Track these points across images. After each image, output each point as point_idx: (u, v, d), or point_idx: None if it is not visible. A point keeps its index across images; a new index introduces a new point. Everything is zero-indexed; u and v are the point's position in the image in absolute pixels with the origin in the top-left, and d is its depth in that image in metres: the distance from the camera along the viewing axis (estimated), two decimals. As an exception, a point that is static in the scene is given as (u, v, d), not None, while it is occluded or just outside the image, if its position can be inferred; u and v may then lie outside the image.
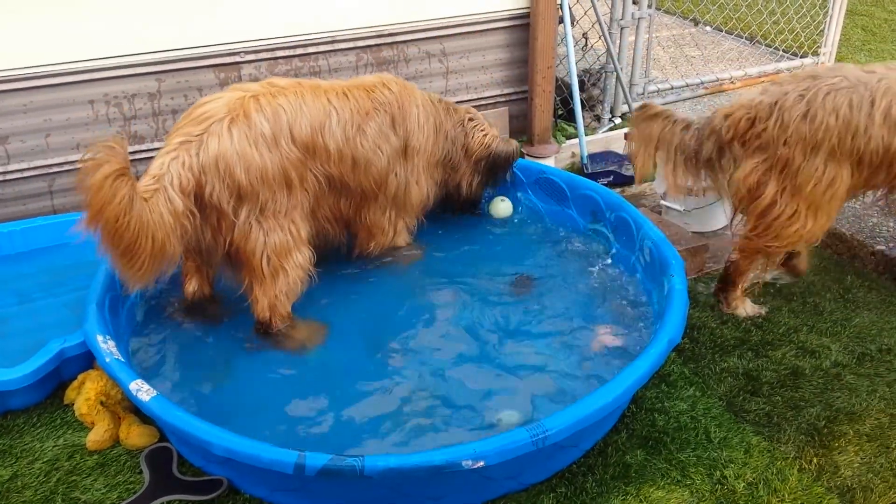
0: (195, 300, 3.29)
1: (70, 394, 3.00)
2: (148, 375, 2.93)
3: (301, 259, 3.14)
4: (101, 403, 2.87)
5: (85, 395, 2.88)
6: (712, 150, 3.28)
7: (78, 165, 3.63)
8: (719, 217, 4.22)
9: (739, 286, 3.50)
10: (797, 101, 3.05)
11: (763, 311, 3.54)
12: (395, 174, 3.43)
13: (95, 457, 2.79)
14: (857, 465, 2.79)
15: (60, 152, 3.86)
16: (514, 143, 3.94)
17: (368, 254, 3.61)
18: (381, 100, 3.35)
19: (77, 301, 3.21)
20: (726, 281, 3.51)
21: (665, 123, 3.37)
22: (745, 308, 3.54)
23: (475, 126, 3.78)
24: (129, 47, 3.80)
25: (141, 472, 2.71)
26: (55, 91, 3.74)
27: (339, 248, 3.55)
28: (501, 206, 4.09)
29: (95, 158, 2.55)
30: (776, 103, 3.10)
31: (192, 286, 3.27)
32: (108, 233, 2.62)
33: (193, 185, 2.85)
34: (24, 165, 3.81)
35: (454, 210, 3.97)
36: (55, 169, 3.88)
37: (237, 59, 4.02)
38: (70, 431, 2.89)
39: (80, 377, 3.00)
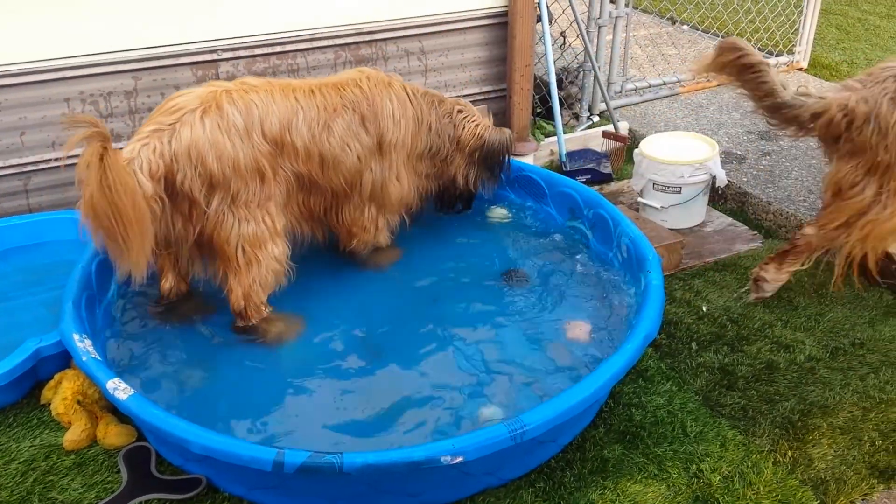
0: (171, 297, 3.28)
1: (47, 393, 2.97)
2: (125, 374, 2.91)
3: (276, 251, 3.14)
4: (78, 403, 2.86)
5: (62, 394, 2.87)
6: (789, 127, 3.45)
7: (54, 164, 3.61)
8: (696, 214, 4.26)
9: (790, 262, 3.60)
10: (891, 105, 3.16)
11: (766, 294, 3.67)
12: (371, 171, 3.40)
13: (73, 456, 2.77)
14: (830, 457, 2.83)
15: (36, 151, 3.83)
16: (508, 132, 3.85)
17: (353, 251, 3.60)
18: (350, 97, 3.32)
19: (54, 300, 3.18)
20: (785, 252, 3.61)
21: (753, 75, 3.38)
22: (773, 279, 3.62)
23: (465, 117, 3.72)
24: (105, 45, 3.77)
25: (119, 471, 2.70)
26: (30, 89, 3.70)
27: (317, 245, 3.54)
28: (497, 212, 4.06)
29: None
30: (871, 110, 3.19)
31: (167, 283, 3.26)
32: (99, 204, 2.64)
33: (163, 171, 2.86)
34: (-2, 164, 3.78)
35: (449, 207, 3.93)
36: (30, 167, 3.84)
37: (215, 56, 4.00)
38: (47, 431, 2.87)
39: (56, 376, 2.98)
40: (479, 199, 4.02)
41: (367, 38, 4.32)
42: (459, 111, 3.73)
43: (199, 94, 3.00)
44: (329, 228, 3.54)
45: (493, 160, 3.80)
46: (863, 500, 2.68)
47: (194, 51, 3.95)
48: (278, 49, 4.12)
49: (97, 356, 2.70)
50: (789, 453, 2.84)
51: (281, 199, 3.16)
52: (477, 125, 3.73)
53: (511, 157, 3.91)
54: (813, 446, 2.87)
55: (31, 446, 2.81)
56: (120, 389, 2.52)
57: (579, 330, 3.24)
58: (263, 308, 3.18)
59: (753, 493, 2.67)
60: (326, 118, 3.23)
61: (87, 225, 2.71)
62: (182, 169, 2.88)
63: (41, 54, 3.66)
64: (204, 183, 2.93)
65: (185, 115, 2.93)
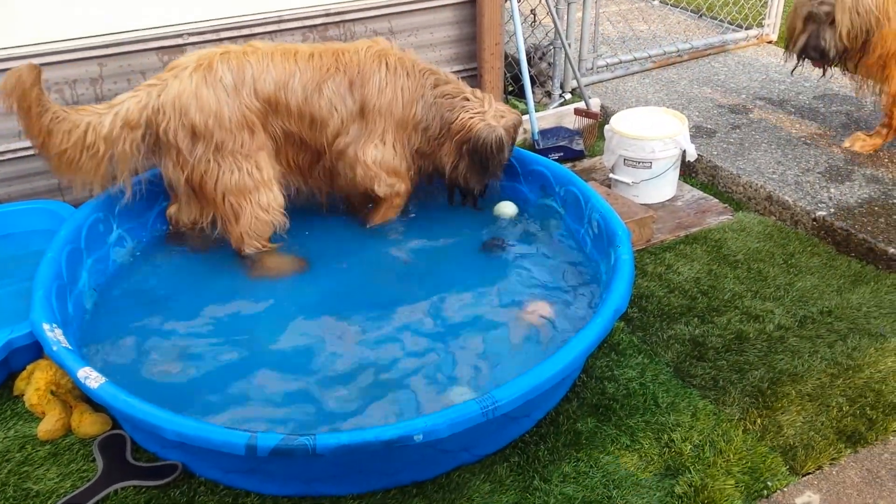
0: (175, 225, 3.60)
1: (19, 384, 2.96)
2: (98, 363, 2.91)
3: (264, 199, 3.40)
4: (52, 393, 2.85)
5: (34, 385, 2.86)
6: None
7: (21, 154, 3.61)
8: (667, 189, 4.29)
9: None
10: None
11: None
12: (346, 133, 3.51)
13: (47, 447, 2.77)
14: (799, 424, 2.88)
15: (2, 140, 3.78)
16: (498, 131, 3.61)
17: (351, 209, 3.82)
18: (345, 62, 3.47)
19: (23, 291, 3.15)
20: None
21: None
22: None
23: (465, 106, 3.62)
24: (70, 32, 3.72)
25: (94, 460, 2.70)
26: (-7, 78, 3.66)
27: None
28: (503, 209, 3.91)
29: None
30: None
31: (171, 209, 3.58)
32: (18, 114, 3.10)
33: (144, 119, 3.23)
34: (-36, 155, 3.74)
35: (451, 199, 3.92)
36: (-3, 158, 3.80)
37: (180, 41, 3.96)
38: (20, 422, 2.87)
39: (28, 367, 2.96)
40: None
41: (336, 18, 4.29)
42: (465, 98, 3.63)
43: (199, 55, 3.34)
44: (312, 183, 3.70)
45: (480, 156, 3.64)
46: (830, 464, 2.74)
47: (160, 35, 3.91)
48: (245, 32, 4.09)
49: (68, 345, 2.69)
50: (759, 421, 2.88)
51: (272, 151, 3.42)
52: (471, 116, 3.61)
53: (503, 155, 3.70)
54: (782, 413, 2.92)
55: (4, 437, 2.80)
56: (91, 378, 2.51)
57: (538, 307, 3.26)
58: (262, 247, 3.49)
59: (724, 461, 2.72)
60: (319, 81, 3.41)
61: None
62: (166, 118, 3.22)
63: (3, 42, 3.61)
64: (187, 133, 3.24)
65: (179, 71, 3.27)
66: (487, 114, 3.62)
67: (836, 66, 4.30)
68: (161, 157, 3.34)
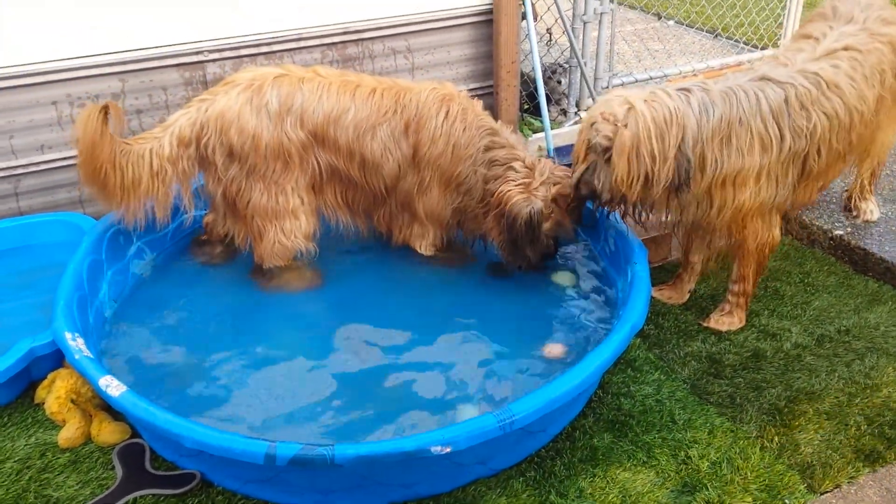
0: (209, 233, 3.66)
1: (41, 393, 2.99)
2: (118, 372, 2.93)
3: (288, 227, 3.37)
4: (72, 401, 2.88)
5: (55, 393, 2.89)
6: None
7: (44, 167, 3.68)
8: (683, 206, 4.29)
9: None
10: None
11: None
12: (405, 179, 3.42)
13: (67, 454, 2.79)
14: (816, 442, 2.87)
15: (25, 154, 3.84)
16: (535, 205, 3.28)
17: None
18: (403, 103, 3.33)
19: (45, 303, 3.19)
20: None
21: None
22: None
23: (508, 177, 3.33)
24: (92, 48, 3.78)
25: (113, 468, 2.72)
26: (17, 93, 3.71)
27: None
28: (559, 278, 3.61)
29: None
30: None
31: (209, 217, 3.65)
32: (81, 158, 3.11)
33: (195, 135, 3.23)
34: (-12, 167, 3.79)
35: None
36: (20, 171, 3.85)
37: (201, 58, 4.02)
38: (41, 430, 2.89)
39: (50, 376, 3.00)
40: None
41: (354, 37, 4.34)
42: (510, 168, 3.35)
43: (255, 74, 3.30)
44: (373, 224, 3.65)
45: (511, 232, 3.34)
46: (849, 483, 2.72)
47: (180, 52, 3.96)
48: (265, 49, 4.14)
49: (90, 354, 2.72)
50: (776, 439, 2.87)
51: (304, 183, 3.35)
52: (510, 189, 3.30)
53: (534, 233, 3.33)
54: (799, 432, 2.91)
55: (26, 445, 2.83)
56: (112, 386, 2.54)
57: (556, 350, 3.20)
58: (283, 264, 3.49)
59: (741, 479, 2.71)
60: (375, 122, 3.30)
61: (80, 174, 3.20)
62: (207, 134, 3.22)
63: (28, 58, 3.68)
64: (225, 151, 3.23)
65: (230, 88, 3.25)
66: (532, 185, 3.32)
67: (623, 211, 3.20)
68: (205, 170, 3.37)
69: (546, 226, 3.38)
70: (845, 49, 3.26)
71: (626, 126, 2.90)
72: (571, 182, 3.20)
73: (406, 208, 3.51)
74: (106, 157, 3.09)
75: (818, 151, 3.17)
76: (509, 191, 3.31)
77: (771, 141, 3.04)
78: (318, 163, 3.33)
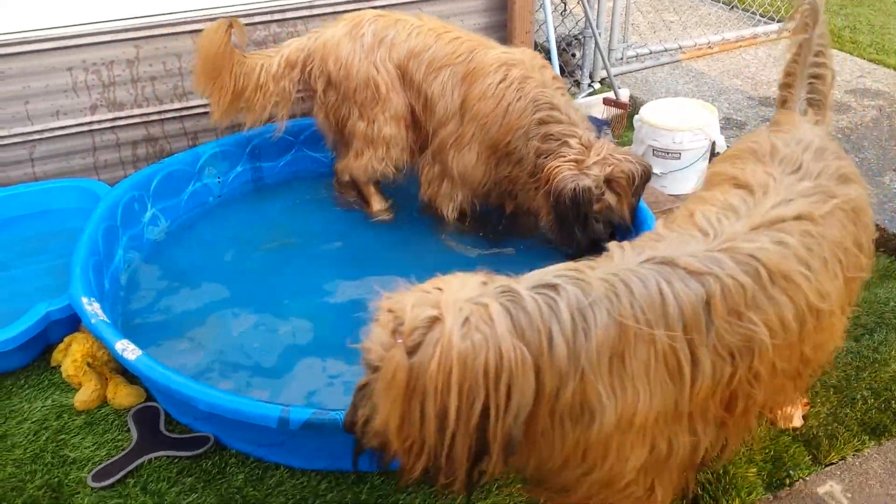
0: (338, 181, 3.93)
1: (57, 356, 3.04)
2: (133, 336, 2.97)
3: (380, 153, 3.62)
4: (88, 365, 2.93)
5: (72, 356, 2.93)
6: None
7: (59, 133, 3.70)
8: (695, 179, 4.29)
9: None
10: None
11: None
12: (445, 127, 3.49)
13: (83, 416, 2.85)
14: (823, 415, 2.89)
15: (40, 119, 3.86)
16: (583, 182, 3.14)
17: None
18: (472, 56, 3.41)
19: (60, 268, 3.24)
20: None
21: None
22: None
23: (560, 152, 3.22)
24: (107, 13, 3.79)
25: (128, 430, 2.77)
26: (33, 58, 3.73)
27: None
28: None
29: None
30: None
31: (339, 164, 3.85)
32: (202, 60, 3.51)
33: (301, 60, 3.60)
34: (3, 133, 3.81)
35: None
36: (35, 136, 3.87)
37: (215, 24, 4.01)
38: (58, 392, 2.95)
39: (66, 339, 3.05)
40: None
41: (366, 4, 4.31)
42: (564, 144, 3.23)
43: (364, 13, 3.60)
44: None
45: (560, 210, 3.22)
46: (854, 455, 2.75)
47: (193, 19, 3.96)
48: (278, 17, 4.13)
49: (106, 318, 2.76)
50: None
51: (392, 115, 3.55)
52: (559, 165, 3.19)
53: (581, 210, 3.19)
54: (806, 404, 2.93)
55: (43, 406, 2.88)
56: (129, 350, 2.58)
57: None
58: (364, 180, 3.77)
59: (746, 449, 2.73)
60: (443, 63, 3.45)
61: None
62: (312, 62, 3.59)
63: (44, 23, 3.68)
64: (325, 79, 3.57)
65: (339, 22, 3.60)
66: (584, 162, 3.21)
67: None
68: (312, 97, 3.69)
69: (596, 207, 3.23)
70: (797, 218, 2.07)
71: (410, 351, 1.68)
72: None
73: (437, 159, 3.57)
74: (224, 65, 3.48)
75: (755, 377, 1.96)
76: (558, 166, 3.20)
77: (679, 366, 1.83)
78: (404, 99, 3.53)
